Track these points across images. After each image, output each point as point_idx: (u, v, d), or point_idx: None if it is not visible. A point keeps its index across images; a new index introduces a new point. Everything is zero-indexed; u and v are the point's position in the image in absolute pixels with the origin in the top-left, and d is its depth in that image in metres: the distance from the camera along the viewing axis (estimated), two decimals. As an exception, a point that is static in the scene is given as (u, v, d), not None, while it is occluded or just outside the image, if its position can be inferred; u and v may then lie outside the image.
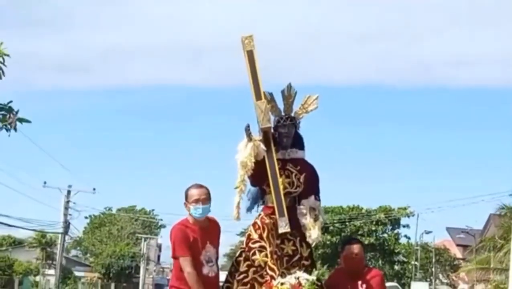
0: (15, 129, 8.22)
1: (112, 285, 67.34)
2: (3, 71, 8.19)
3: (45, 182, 50.48)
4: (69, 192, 50.73)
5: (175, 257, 7.42)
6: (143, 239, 70.05)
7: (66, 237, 54.17)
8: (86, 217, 58.91)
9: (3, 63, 8.15)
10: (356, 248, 7.86)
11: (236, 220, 7.71)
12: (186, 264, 7.22)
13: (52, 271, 61.64)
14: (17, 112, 8.27)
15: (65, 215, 50.25)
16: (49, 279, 59.77)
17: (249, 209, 8.00)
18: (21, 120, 8.27)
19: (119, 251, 69.71)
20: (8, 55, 8.15)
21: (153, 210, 78.03)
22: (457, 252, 66.98)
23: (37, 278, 58.79)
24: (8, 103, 8.24)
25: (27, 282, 56.21)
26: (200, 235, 7.36)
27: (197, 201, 7.33)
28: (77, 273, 67.48)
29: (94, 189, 52.21)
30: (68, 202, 50.42)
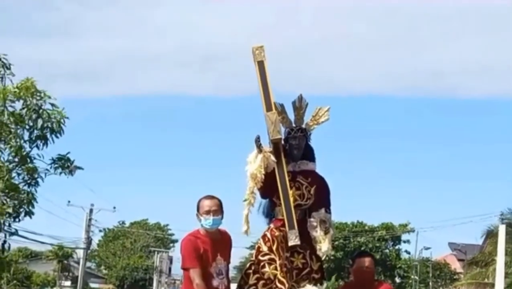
0: (72, 174, 9.97)
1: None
2: (63, 130, 9.65)
3: (69, 201, 52.59)
4: (91, 210, 52.45)
5: (184, 268, 7.00)
6: (156, 253, 69.64)
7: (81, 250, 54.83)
8: (100, 230, 59.07)
9: (63, 124, 9.67)
10: (367, 261, 7.44)
11: (246, 234, 7.30)
12: (195, 276, 6.79)
13: (68, 283, 61.46)
14: (73, 162, 10.09)
15: (87, 232, 52.05)
16: (65, 290, 59.49)
17: (267, 222, 7.59)
18: (77, 167, 10.08)
19: (133, 263, 69.39)
20: (67, 118, 9.55)
21: (167, 224, 77.59)
22: (458, 266, 66.53)
23: (54, 289, 58.55)
24: (67, 154, 9.93)
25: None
26: (211, 247, 6.93)
27: (208, 212, 6.90)
28: (92, 285, 67.19)
29: (114, 207, 54.69)
30: (90, 219, 52.20)
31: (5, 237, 10.01)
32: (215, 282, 6.89)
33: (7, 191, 9.34)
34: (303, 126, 7.59)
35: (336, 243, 58.67)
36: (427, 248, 63.28)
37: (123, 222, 73.81)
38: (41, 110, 9.47)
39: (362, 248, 58.26)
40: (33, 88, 9.50)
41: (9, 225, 9.91)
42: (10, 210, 9.38)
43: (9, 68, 9.56)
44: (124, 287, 71.15)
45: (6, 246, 10.12)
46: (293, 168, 7.46)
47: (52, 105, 9.44)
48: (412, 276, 61.96)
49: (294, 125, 7.57)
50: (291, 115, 7.61)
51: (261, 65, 7.35)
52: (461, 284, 52.42)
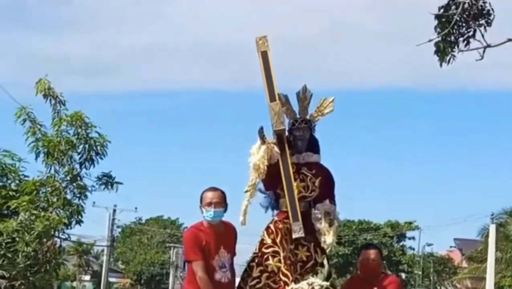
0: (116, 191, 11.13)
1: (143, 290, 66.98)
2: (106, 152, 10.91)
3: (94, 202, 52.95)
4: (114, 210, 53.15)
5: (187, 260, 6.66)
6: (172, 248, 69.46)
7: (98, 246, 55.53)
8: (118, 227, 59.28)
9: (106, 147, 10.90)
10: (373, 253, 7.04)
11: (243, 225, 6.86)
12: (198, 269, 6.41)
13: (87, 277, 61.41)
14: (114, 178, 11.09)
15: (111, 231, 53.48)
16: (85, 285, 59.37)
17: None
18: (118, 183, 11.11)
19: (149, 258, 69.31)
20: (110, 142, 11.01)
21: (177, 218, 77.22)
22: (463, 261, 66.37)
23: (74, 284, 58.38)
24: (109, 172, 11.06)
25: (64, 287, 55.79)
26: (214, 239, 6.52)
27: (209, 204, 6.49)
28: (110, 279, 66.98)
29: (136, 208, 56.14)
30: (113, 219, 53.29)
31: (60, 242, 11.51)
32: (217, 275, 6.51)
33: (62, 205, 10.85)
34: (308, 117, 7.18)
35: (344, 239, 58.66)
36: (429, 244, 63.20)
37: (140, 219, 73.84)
38: (89, 139, 11.03)
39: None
40: (82, 121, 10.92)
41: (63, 232, 11.44)
42: (65, 221, 10.77)
43: (64, 105, 10.96)
44: (141, 282, 71.08)
45: (61, 249, 11.62)
46: (297, 160, 7.07)
47: (98, 133, 10.97)
48: (416, 271, 61.90)
49: (298, 116, 7.17)
50: (296, 107, 7.21)
51: (264, 55, 6.98)
52: (458, 278, 53.14)
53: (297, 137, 7.07)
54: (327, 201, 6.98)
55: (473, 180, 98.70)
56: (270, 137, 6.90)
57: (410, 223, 63.27)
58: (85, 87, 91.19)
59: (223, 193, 6.61)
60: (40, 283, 10.89)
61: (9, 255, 10.43)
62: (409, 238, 65.27)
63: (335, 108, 7.19)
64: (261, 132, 6.78)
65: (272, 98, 6.88)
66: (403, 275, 63.27)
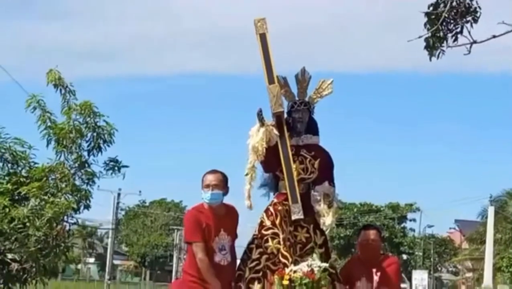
0: (123, 177, 11.28)
1: (147, 273, 67.04)
2: (113, 140, 11.09)
3: (98, 186, 52.94)
4: (119, 194, 53.63)
5: (187, 242, 6.64)
6: (176, 230, 69.64)
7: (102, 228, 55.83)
8: (121, 209, 59.49)
9: (113, 135, 11.12)
10: (372, 234, 6.99)
11: (250, 209, 6.81)
12: (197, 250, 6.39)
13: (91, 260, 61.58)
14: (120, 162, 11.22)
15: (116, 214, 53.95)
16: (90, 267, 59.55)
17: (266, 195, 7.12)
18: (124, 166, 11.24)
19: (153, 241, 69.40)
20: (117, 130, 11.23)
21: (181, 201, 77.27)
22: (464, 243, 66.50)
23: (79, 266, 58.51)
24: (115, 157, 11.21)
25: (69, 269, 55.93)
26: (214, 221, 6.48)
27: (207, 186, 6.45)
28: (114, 262, 67.16)
29: (140, 191, 58.41)
30: (118, 203, 53.82)
31: (69, 226, 11.74)
32: (217, 257, 6.48)
33: (71, 191, 11.15)
34: (307, 99, 7.11)
35: (346, 221, 58.79)
36: (430, 226, 63.34)
37: (144, 201, 73.94)
38: (97, 127, 11.26)
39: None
40: (90, 110, 11.19)
41: (72, 217, 11.71)
42: (74, 206, 11.02)
43: (74, 94, 11.20)
44: (145, 264, 71.23)
45: (70, 233, 11.82)
46: (296, 142, 7.01)
47: (106, 122, 11.21)
48: (417, 253, 62.06)
49: (297, 98, 7.10)
50: (294, 89, 7.14)
51: (263, 37, 6.88)
52: (458, 259, 53.36)
53: (296, 119, 7.01)
54: (326, 183, 6.92)
55: (473, 161, 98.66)
56: (269, 120, 6.83)
57: (411, 205, 63.42)
58: (91, 72, 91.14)
59: (223, 176, 6.55)
60: (50, 266, 11.27)
61: (21, 239, 10.80)
62: (410, 220, 65.54)
63: (333, 90, 7.13)
64: (260, 114, 6.71)
65: (271, 81, 6.80)
66: (404, 257, 63.47)
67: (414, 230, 65.48)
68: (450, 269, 66.14)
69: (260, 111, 6.72)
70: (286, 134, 6.86)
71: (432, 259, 63.43)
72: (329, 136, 7.35)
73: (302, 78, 7.11)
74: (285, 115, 6.97)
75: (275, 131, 6.76)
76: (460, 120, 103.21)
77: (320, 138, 7.14)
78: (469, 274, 58.89)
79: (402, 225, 64.86)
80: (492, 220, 38.44)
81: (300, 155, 6.95)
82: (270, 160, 6.78)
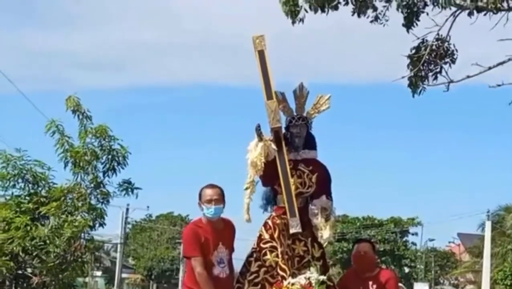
0: (136, 197, 12.02)
1: (154, 286, 66.91)
2: (127, 162, 11.73)
3: (108, 201, 52.51)
4: (127, 209, 53.58)
5: (186, 257, 6.67)
6: (181, 244, 69.56)
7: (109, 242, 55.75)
8: (128, 223, 59.49)
9: (127, 158, 11.72)
10: (364, 246, 6.99)
11: (248, 222, 6.81)
12: (196, 264, 6.40)
13: (99, 273, 61.47)
14: (133, 184, 11.88)
15: (124, 229, 54.39)
16: (97, 280, 59.38)
17: (265, 210, 7.13)
18: (137, 188, 11.96)
19: (160, 254, 69.32)
20: (130, 153, 11.88)
21: (187, 215, 77.14)
22: (466, 256, 66.39)
23: (86, 279, 58.33)
24: (129, 179, 11.91)
25: (77, 282, 55.80)
26: (212, 235, 6.50)
27: (209, 201, 6.47)
28: (122, 275, 67.06)
29: (148, 207, 58.19)
30: (127, 218, 54.15)
31: (86, 242, 12.46)
32: (215, 270, 6.49)
33: (87, 210, 11.73)
34: (304, 114, 7.13)
35: (349, 235, 58.75)
36: (431, 240, 63.46)
37: (150, 216, 73.84)
38: (111, 150, 11.89)
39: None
40: (105, 133, 11.69)
41: (88, 233, 12.58)
42: (90, 224, 11.69)
43: (90, 120, 11.81)
44: (151, 277, 71.08)
45: (86, 249, 12.62)
46: (294, 157, 7.01)
47: (120, 145, 11.73)
48: (418, 265, 62.16)
49: (295, 113, 7.11)
50: (292, 104, 7.15)
51: (261, 54, 6.90)
52: (459, 272, 53.53)
53: (294, 134, 7.02)
54: (323, 197, 6.91)
55: (473, 176, 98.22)
56: (268, 134, 6.84)
57: (413, 219, 63.53)
58: (92, 82, 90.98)
59: (221, 190, 6.59)
60: (68, 280, 11.59)
61: (41, 256, 11.22)
62: (412, 234, 65.61)
63: (331, 105, 7.14)
64: (258, 129, 6.71)
65: (269, 97, 6.81)
66: (406, 270, 63.43)
67: (415, 244, 65.60)
68: (452, 281, 66.01)
69: (259, 126, 6.72)
70: (284, 149, 6.85)
71: (433, 272, 63.42)
72: (327, 145, 7.33)
73: (300, 94, 7.12)
74: (283, 130, 6.98)
75: (273, 146, 6.76)
76: (464, 130, 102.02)
77: (319, 149, 7.16)
78: (470, 287, 58.78)
79: (404, 239, 64.96)
80: (489, 234, 38.62)
81: (298, 169, 6.95)
82: (269, 174, 6.78)
